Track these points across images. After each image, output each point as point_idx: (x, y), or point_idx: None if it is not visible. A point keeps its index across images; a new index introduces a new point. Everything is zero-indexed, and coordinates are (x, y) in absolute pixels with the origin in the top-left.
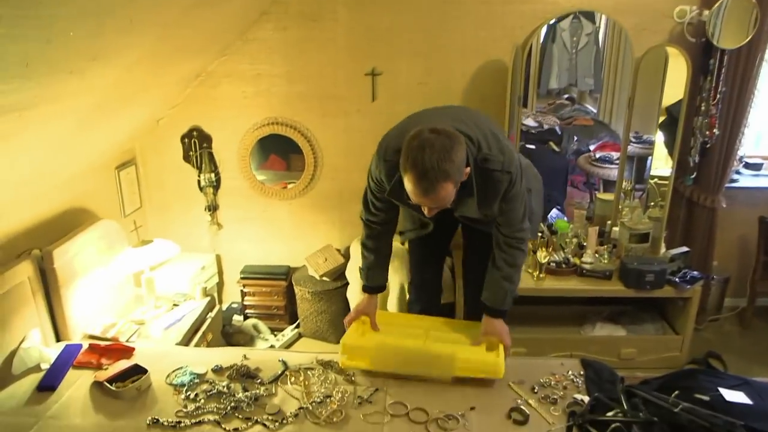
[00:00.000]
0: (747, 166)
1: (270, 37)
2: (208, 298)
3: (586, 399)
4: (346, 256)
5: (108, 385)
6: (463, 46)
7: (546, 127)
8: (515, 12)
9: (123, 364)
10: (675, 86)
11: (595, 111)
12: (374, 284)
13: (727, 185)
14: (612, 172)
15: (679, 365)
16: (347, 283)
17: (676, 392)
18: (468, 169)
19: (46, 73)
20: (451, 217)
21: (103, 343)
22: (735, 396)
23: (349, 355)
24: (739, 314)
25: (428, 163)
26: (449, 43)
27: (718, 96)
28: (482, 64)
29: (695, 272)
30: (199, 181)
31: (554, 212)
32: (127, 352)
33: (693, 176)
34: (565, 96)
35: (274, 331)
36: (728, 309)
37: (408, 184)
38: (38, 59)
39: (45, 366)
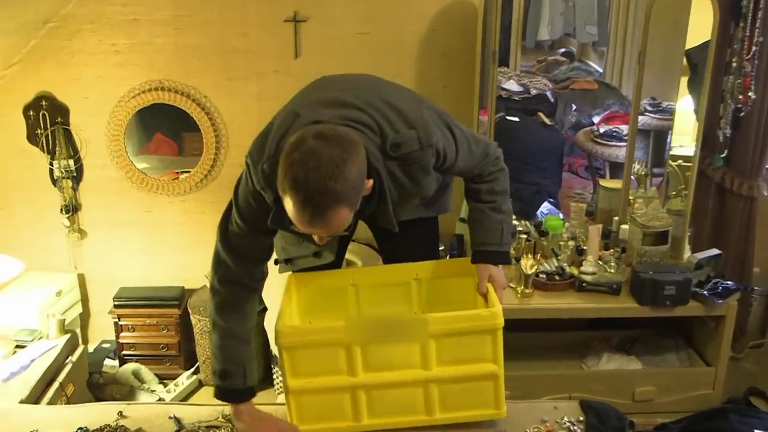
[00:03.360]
0: None
1: None
2: (68, 336)
3: None
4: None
5: None
6: None
7: (534, 92)
8: None
9: None
10: (701, 37)
11: (600, 70)
12: (250, 383)
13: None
14: (621, 151)
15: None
16: (265, 309)
17: None
18: (370, 183)
19: None
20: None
21: None
22: None
23: (291, 341)
24: None
25: (313, 182)
26: None
27: (753, 48)
28: (444, 7)
29: (729, 282)
30: (51, 171)
31: (546, 206)
32: None
33: (724, 155)
34: (561, 51)
35: (163, 379)
36: None
37: (289, 208)
38: None
39: None
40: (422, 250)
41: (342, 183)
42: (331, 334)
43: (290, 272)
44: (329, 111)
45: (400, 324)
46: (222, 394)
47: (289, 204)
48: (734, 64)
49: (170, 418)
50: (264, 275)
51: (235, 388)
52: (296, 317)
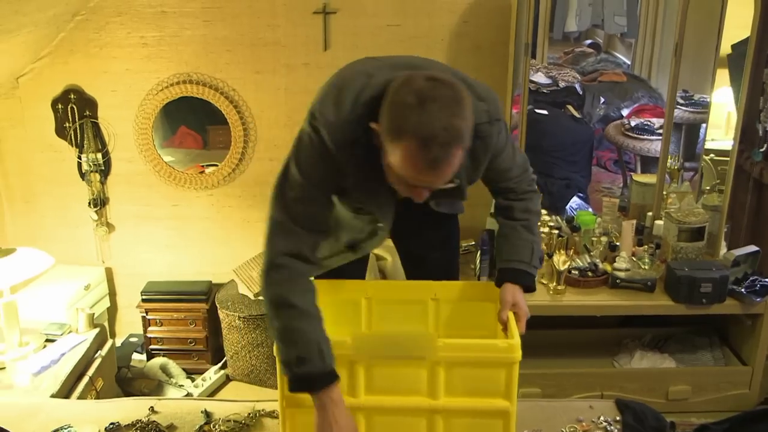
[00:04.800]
0: None
1: None
2: (97, 330)
3: None
4: None
5: None
6: None
7: (563, 84)
8: None
9: None
10: (737, 27)
11: (628, 63)
12: (331, 365)
13: None
14: (653, 145)
15: (749, 406)
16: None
17: None
18: None
19: None
20: None
21: None
22: None
23: None
24: None
25: (437, 122)
26: None
27: None
28: (476, 0)
29: (767, 280)
30: (80, 165)
31: (575, 201)
32: None
33: (763, 149)
34: (588, 42)
35: (191, 374)
36: None
37: (402, 156)
38: None
39: None
40: (441, 250)
41: (462, 121)
42: (335, 350)
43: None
44: (405, 72)
45: (409, 342)
46: (298, 383)
47: (403, 151)
48: None
49: (202, 412)
50: (318, 261)
51: (314, 373)
52: None
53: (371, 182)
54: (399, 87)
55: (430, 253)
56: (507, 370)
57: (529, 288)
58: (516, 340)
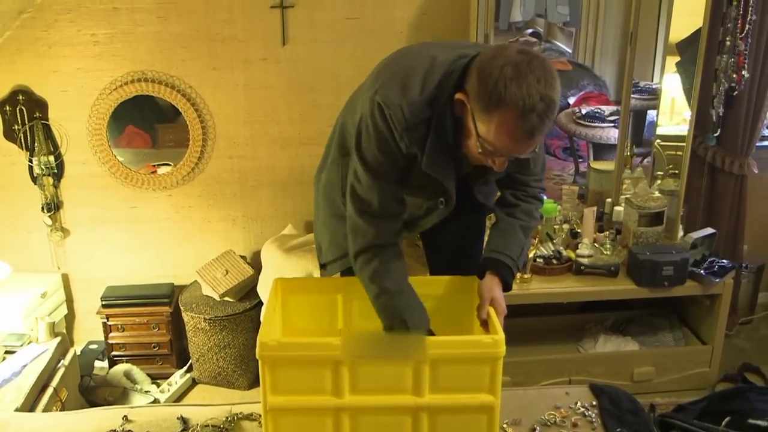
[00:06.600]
0: None
1: None
2: (58, 339)
3: None
4: (256, 265)
5: None
6: None
7: None
8: None
9: None
10: (684, 15)
11: (569, 51)
12: (415, 326)
13: (757, 144)
14: (604, 132)
15: (710, 384)
16: (259, 303)
17: (727, 419)
18: None
19: None
20: None
21: None
22: None
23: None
24: None
25: (535, 92)
26: None
27: (747, 27)
28: None
29: (724, 261)
30: (31, 168)
31: None
32: None
33: (716, 134)
34: (529, 31)
35: (156, 379)
36: (763, 307)
37: (497, 128)
38: None
39: None
40: (469, 241)
41: (556, 93)
42: (321, 350)
43: (279, 278)
44: (470, 50)
45: (399, 343)
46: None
47: (500, 120)
48: (728, 43)
49: (177, 419)
50: (402, 232)
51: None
52: (278, 326)
53: (439, 160)
54: (491, 59)
55: (457, 243)
56: (492, 365)
57: (507, 286)
58: (500, 336)
